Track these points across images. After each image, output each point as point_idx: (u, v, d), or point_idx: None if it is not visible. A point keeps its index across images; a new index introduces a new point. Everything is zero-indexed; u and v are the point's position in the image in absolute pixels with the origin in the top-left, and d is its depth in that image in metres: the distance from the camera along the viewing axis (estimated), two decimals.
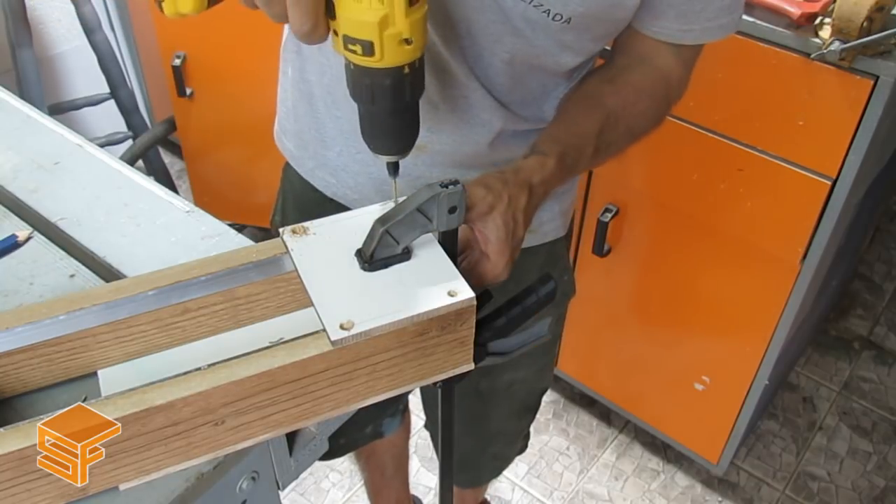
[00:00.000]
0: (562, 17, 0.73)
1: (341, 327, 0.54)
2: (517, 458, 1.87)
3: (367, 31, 0.55)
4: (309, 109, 0.93)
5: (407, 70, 0.58)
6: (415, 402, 1.72)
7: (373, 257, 0.58)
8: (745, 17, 1.16)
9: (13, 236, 0.72)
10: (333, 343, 0.53)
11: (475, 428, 1.25)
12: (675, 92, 0.85)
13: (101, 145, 0.90)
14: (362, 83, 0.59)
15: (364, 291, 0.57)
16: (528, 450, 1.89)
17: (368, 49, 0.55)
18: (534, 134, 0.81)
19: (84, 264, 0.72)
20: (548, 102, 0.86)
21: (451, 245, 0.62)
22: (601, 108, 0.79)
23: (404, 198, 0.60)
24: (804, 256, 1.31)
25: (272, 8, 0.56)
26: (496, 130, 0.85)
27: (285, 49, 0.94)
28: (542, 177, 0.71)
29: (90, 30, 1.94)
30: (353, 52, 0.56)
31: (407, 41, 0.56)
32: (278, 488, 0.67)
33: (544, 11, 0.73)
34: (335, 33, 0.57)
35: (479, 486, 1.58)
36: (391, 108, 0.60)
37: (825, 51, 1.09)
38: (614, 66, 0.85)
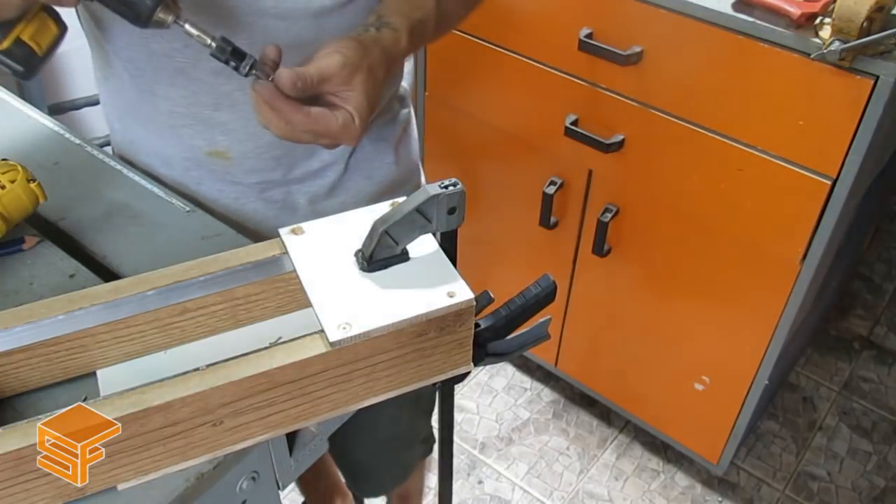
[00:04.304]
0: None
1: (340, 328, 0.54)
2: (517, 458, 1.88)
3: None
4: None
5: None
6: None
7: (372, 258, 0.58)
8: (745, 17, 1.17)
9: (21, 240, 0.72)
10: (332, 344, 0.53)
11: (364, 436, 1.20)
12: None
13: (101, 145, 0.90)
14: None
15: (363, 292, 0.57)
16: (528, 450, 1.91)
17: None
18: None
19: (84, 264, 0.72)
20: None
21: (451, 246, 0.62)
22: None
23: (403, 199, 0.60)
24: (804, 256, 1.31)
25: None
26: None
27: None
28: (398, 51, 0.69)
29: None
30: None
31: None
32: (278, 488, 0.67)
33: None
34: None
35: (386, 493, 1.48)
36: None
37: (825, 51, 1.09)
38: None
